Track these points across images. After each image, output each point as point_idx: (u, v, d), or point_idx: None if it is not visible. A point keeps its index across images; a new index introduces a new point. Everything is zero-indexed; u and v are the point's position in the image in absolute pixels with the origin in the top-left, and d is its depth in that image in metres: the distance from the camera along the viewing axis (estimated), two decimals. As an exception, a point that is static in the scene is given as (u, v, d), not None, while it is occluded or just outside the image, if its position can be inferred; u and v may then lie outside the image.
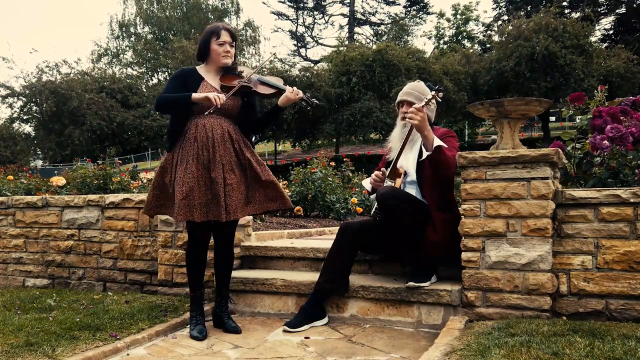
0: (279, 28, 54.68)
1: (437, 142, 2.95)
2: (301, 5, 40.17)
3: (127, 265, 3.93)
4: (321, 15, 41.16)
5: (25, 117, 28.47)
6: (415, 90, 3.19)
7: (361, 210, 7.01)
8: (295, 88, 3.00)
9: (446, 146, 2.96)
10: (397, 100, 3.27)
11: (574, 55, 21.03)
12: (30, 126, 29.35)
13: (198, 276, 3.04)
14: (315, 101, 3.11)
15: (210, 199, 2.87)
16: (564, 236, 2.73)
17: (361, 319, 3.09)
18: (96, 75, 29.69)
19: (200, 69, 3.07)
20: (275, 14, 40.91)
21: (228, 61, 3.02)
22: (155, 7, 41.49)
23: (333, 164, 7.44)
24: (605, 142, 3.02)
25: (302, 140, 26.84)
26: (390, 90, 21.64)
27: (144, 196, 3.90)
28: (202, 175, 2.88)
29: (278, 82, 3.10)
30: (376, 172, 3.24)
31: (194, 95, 2.85)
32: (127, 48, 42.13)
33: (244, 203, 2.95)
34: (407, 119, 3.00)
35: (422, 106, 2.95)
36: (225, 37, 2.98)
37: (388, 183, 3.10)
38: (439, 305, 2.90)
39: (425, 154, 2.97)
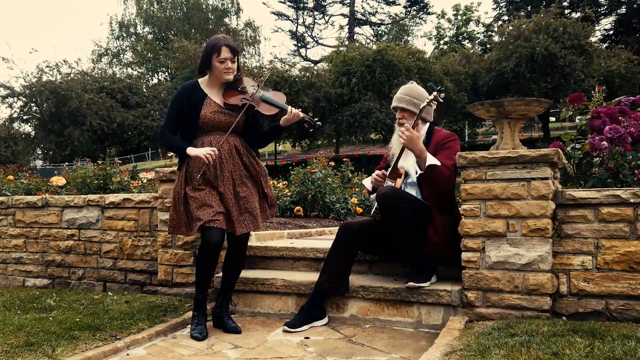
0: (279, 28, 54.73)
1: (430, 160, 2.93)
2: (301, 5, 40.17)
3: (127, 265, 3.93)
4: (321, 15, 41.18)
5: (25, 117, 28.45)
6: (410, 95, 3.15)
7: (361, 210, 7.01)
8: (295, 110, 3.01)
9: (439, 163, 2.93)
10: (392, 105, 3.27)
11: (574, 55, 21.03)
12: (30, 126, 29.34)
13: (207, 279, 3.05)
14: (319, 123, 3.13)
15: (225, 212, 2.94)
16: (564, 236, 2.73)
17: (361, 319, 3.09)
18: (96, 75, 29.67)
19: (203, 83, 3.06)
20: (275, 14, 40.96)
21: (229, 77, 3.02)
22: (156, 7, 41.52)
23: (333, 164, 7.44)
24: (604, 142, 3.02)
25: (302, 140, 26.83)
26: (390, 90, 21.62)
27: (144, 196, 3.91)
28: (210, 191, 2.94)
29: (281, 99, 3.09)
30: (377, 172, 3.24)
31: (188, 150, 2.91)
32: (127, 48, 42.17)
33: (259, 213, 3.03)
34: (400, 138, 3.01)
35: (414, 125, 3.00)
36: (225, 53, 2.96)
37: (388, 183, 3.10)
38: (439, 305, 2.91)
39: (418, 172, 2.98)
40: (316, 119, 3.12)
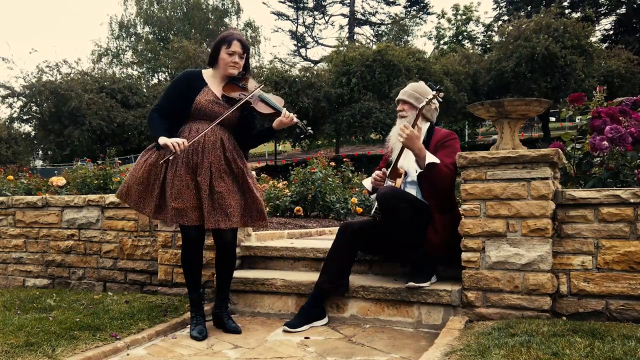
0: (279, 28, 54.71)
1: (430, 158, 2.93)
2: (301, 5, 40.17)
3: (127, 265, 3.93)
4: (321, 15, 41.18)
5: (25, 117, 28.44)
6: (415, 91, 3.18)
7: (361, 210, 7.01)
8: (290, 113, 2.97)
9: (439, 161, 2.93)
10: (396, 99, 3.29)
11: (574, 55, 21.02)
12: (30, 126, 29.33)
13: (195, 276, 3.03)
14: (310, 131, 3.09)
15: (198, 206, 2.89)
16: (564, 236, 2.73)
17: (361, 319, 3.09)
18: (96, 75, 29.66)
19: (206, 73, 3.05)
20: (275, 14, 40.96)
21: (234, 72, 2.99)
22: (156, 7, 41.49)
23: (333, 164, 7.44)
24: (605, 142, 3.02)
25: (302, 141, 26.83)
26: (390, 90, 21.63)
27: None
28: (192, 179, 2.89)
29: (278, 102, 3.06)
30: (377, 172, 3.24)
31: (160, 139, 2.82)
32: (128, 48, 42.15)
33: (240, 212, 2.95)
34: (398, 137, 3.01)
35: (413, 123, 2.98)
36: (235, 47, 2.95)
37: (388, 183, 3.11)
38: (439, 305, 2.90)
39: (418, 170, 2.98)
40: (309, 128, 3.08)
